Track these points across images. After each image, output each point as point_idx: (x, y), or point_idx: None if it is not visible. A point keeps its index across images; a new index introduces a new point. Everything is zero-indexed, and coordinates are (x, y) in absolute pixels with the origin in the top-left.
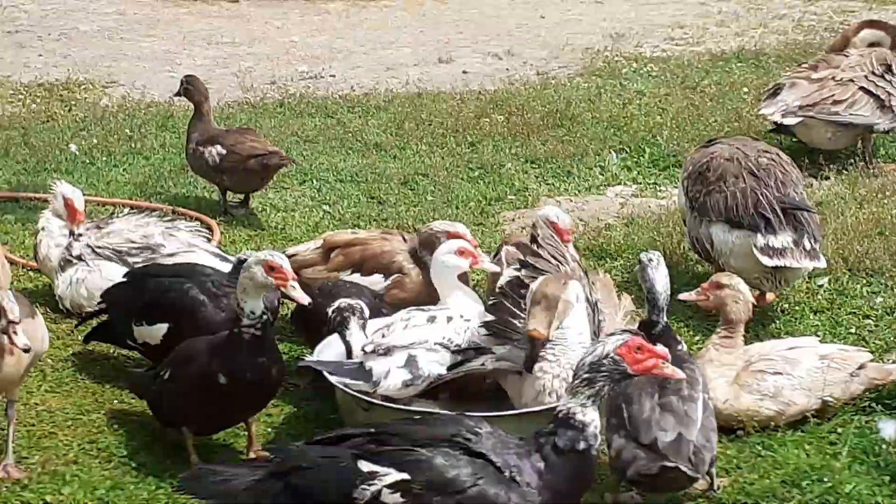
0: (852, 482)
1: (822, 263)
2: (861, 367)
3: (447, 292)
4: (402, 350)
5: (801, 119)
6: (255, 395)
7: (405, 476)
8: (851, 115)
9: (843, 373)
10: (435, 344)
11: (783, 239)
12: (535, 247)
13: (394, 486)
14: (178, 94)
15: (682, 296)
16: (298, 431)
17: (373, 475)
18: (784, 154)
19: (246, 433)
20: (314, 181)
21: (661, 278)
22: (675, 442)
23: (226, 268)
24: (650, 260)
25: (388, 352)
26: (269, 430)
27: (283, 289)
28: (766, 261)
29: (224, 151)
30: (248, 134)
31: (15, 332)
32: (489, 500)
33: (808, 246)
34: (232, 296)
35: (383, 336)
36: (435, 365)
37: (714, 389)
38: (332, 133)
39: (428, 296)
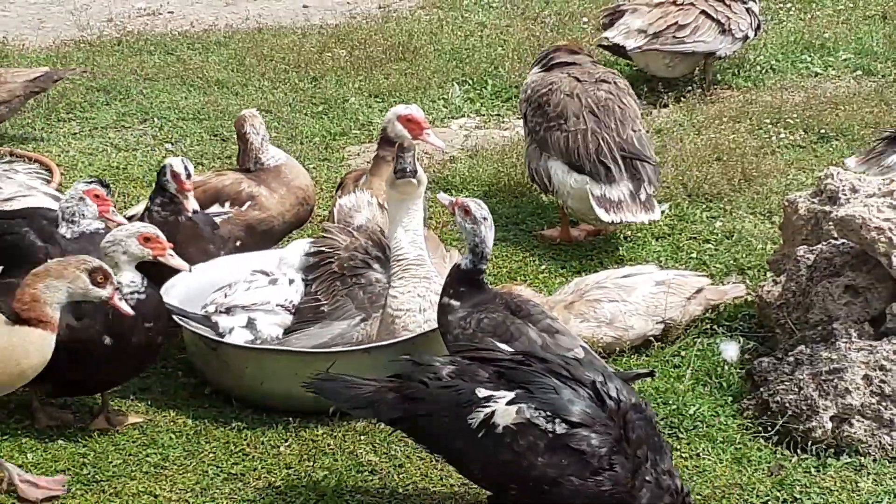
0: (696, 403)
1: (656, 216)
2: (699, 290)
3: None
4: (243, 311)
5: (643, 47)
6: (137, 360)
7: (520, 392)
8: (695, 41)
9: (680, 297)
10: (276, 305)
11: (620, 191)
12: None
13: (510, 404)
14: None
15: None
16: (154, 384)
17: (488, 399)
18: (621, 79)
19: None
20: (155, 119)
21: (492, 236)
22: (588, 354)
23: None
24: (485, 218)
25: (228, 311)
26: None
27: (160, 258)
28: (602, 215)
29: None
30: None
31: (122, 299)
32: (594, 451)
33: (643, 196)
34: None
35: (225, 296)
36: (274, 327)
37: None
38: (172, 70)
39: (284, 210)
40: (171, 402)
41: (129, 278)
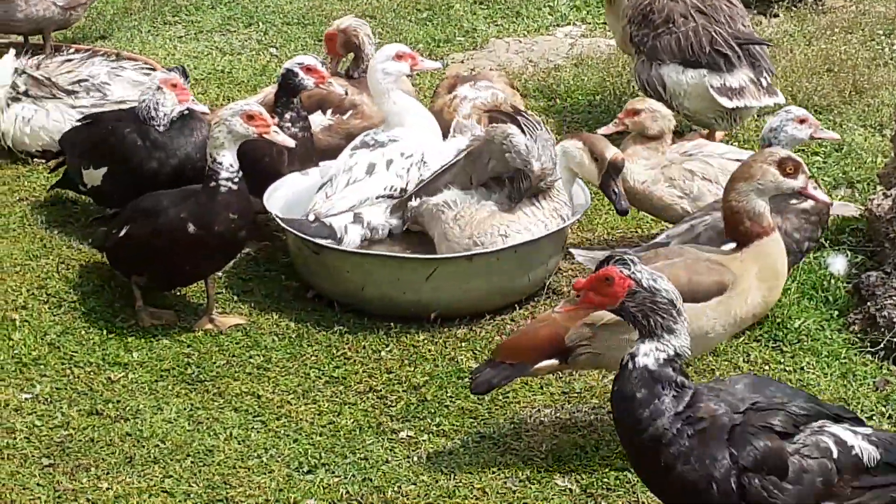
0: (801, 317)
1: (780, 99)
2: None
3: (393, 106)
4: (347, 213)
5: None
6: (220, 250)
7: None
8: None
9: None
10: (377, 198)
11: (740, 77)
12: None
13: None
14: None
15: (601, 130)
16: (257, 287)
17: None
18: None
19: (205, 293)
20: (260, 24)
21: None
22: None
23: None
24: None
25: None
26: (224, 289)
27: (265, 135)
28: (725, 102)
29: None
30: None
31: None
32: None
33: (764, 83)
34: (175, 141)
35: (326, 196)
36: (381, 215)
37: (631, 171)
38: None
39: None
40: (274, 306)
41: (230, 161)
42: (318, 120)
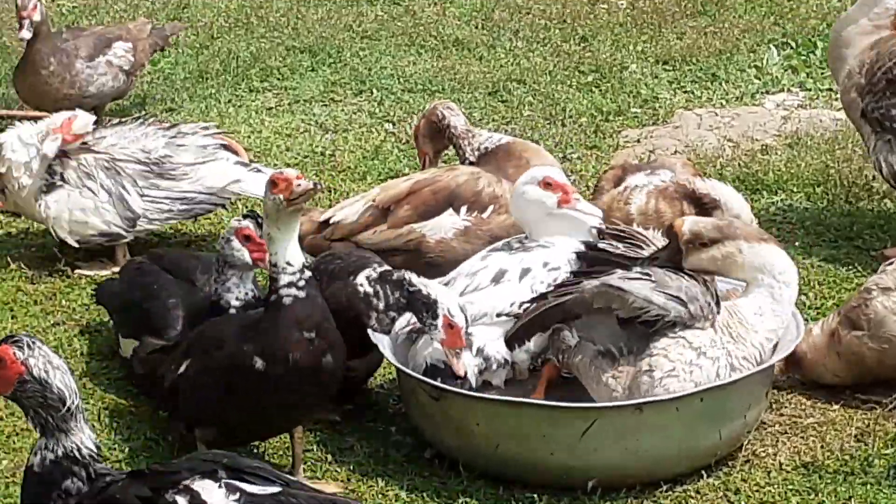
0: None
1: None
2: None
3: (536, 230)
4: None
5: None
6: (302, 389)
7: None
8: None
9: None
10: (497, 316)
11: None
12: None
13: None
14: None
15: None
16: (358, 444)
17: None
18: None
19: (289, 451)
20: (373, 91)
21: None
22: None
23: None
24: None
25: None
26: (315, 446)
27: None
28: None
29: (131, 45)
30: (86, 30)
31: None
32: None
33: None
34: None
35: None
36: (499, 343)
37: None
38: (397, 26)
39: None
40: (381, 469)
41: (286, 259)
42: (449, 222)
